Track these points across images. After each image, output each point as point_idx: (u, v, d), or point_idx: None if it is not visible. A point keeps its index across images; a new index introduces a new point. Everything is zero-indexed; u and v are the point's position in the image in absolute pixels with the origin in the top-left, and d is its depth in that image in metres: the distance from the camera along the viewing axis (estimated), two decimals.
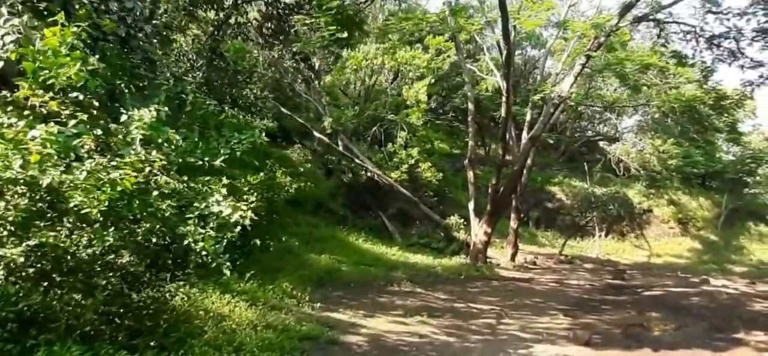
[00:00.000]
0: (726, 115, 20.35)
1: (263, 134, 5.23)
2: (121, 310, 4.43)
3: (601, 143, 36.09)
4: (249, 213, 5.36)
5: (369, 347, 6.71)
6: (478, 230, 16.70)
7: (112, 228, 3.98)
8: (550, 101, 16.01)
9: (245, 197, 8.54)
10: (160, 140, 4.54)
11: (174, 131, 4.51)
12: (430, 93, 28.46)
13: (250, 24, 12.74)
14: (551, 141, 35.42)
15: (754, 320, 11.66)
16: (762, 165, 29.15)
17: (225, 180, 5.14)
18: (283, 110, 21.75)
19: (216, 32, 12.13)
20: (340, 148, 22.26)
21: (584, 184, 29.85)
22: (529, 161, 20.92)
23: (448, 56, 24.85)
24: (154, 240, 4.46)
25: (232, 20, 12.77)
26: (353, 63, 23.90)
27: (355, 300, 9.46)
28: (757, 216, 31.04)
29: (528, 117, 19.86)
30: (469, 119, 18.26)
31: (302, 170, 20.78)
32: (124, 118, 4.23)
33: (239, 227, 4.76)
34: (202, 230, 4.30)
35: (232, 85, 13.59)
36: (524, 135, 18.71)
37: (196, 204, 4.34)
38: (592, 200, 25.94)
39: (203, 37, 12.51)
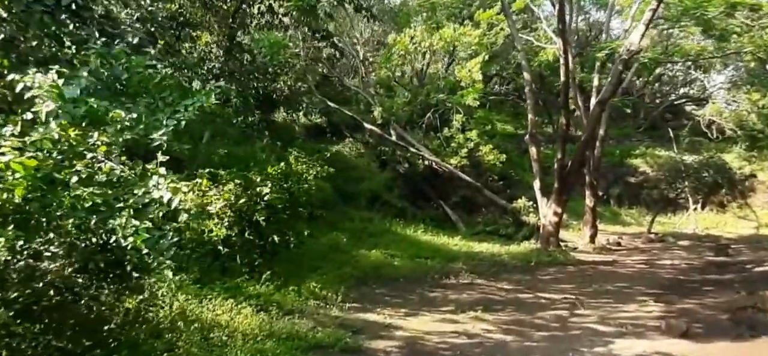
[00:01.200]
0: None
1: (212, 98, 4.19)
2: (52, 326, 3.60)
3: (687, 107, 32.38)
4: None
5: (400, 354, 5.58)
6: (546, 211, 14.99)
7: (13, 227, 3.16)
8: (619, 58, 13.96)
9: (259, 189, 7.77)
10: (108, 117, 3.63)
11: (112, 103, 3.60)
12: (485, 72, 26.80)
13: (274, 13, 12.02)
14: (628, 109, 32.30)
15: None
16: None
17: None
18: (330, 104, 21.05)
19: (232, 20, 11.47)
20: (393, 138, 21.20)
21: (671, 152, 26.71)
22: (601, 131, 18.77)
23: (501, 29, 23.09)
24: (93, 240, 3.60)
25: (254, 9, 12.08)
26: (400, 48, 22.81)
27: (399, 297, 8.36)
28: None
29: (595, 82, 17.76)
30: (526, 89, 16.52)
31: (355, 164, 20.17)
32: (19, 87, 3.37)
33: (185, 216, 3.77)
34: (135, 222, 3.37)
35: (258, 77, 12.90)
36: (593, 102, 16.66)
37: (135, 191, 3.42)
38: (682, 168, 23.00)
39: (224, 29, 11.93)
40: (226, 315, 5.79)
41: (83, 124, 3.39)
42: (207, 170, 7.41)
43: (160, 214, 3.46)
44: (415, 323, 6.97)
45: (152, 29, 8.93)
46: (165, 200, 3.29)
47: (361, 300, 7.91)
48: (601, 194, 26.31)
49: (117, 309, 4.36)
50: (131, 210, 3.35)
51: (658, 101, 32.31)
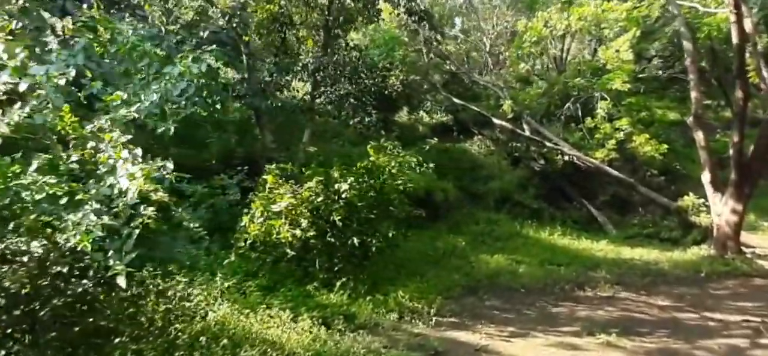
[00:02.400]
0: None
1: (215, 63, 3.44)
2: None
3: None
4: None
5: None
6: (721, 209, 12.01)
7: None
8: None
9: (337, 186, 6.99)
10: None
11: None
12: (639, 51, 23.28)
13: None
14: None
15: None
16: None
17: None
18: (455, 100, 19.88)
19: (327, 14, 10.99)
20: (527, 132, 19.28)
21: None
22: None
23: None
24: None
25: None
26: (532, 34, 20.77)
27: (512, 312, 6.96)
28: None
29: None
30: (688, 62, 13.57)
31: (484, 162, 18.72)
32: None
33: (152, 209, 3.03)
34: (93, 218, 2.72)
35: (366, 74, 12.29)
36: None
37: (93, 180, 2.80)
38: None
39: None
40: (277, 328, 5.12)
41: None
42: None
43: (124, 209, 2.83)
44: (519, 347, 5.58)
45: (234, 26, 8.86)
46: (123, 188, 2.63)
47: (461, 313, 6.70)
48: None
49: (140, 316, 3.92)
50: (93, 203, 2.77)
51: None
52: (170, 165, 3.78)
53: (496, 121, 19.33)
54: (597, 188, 18.87)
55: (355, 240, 6.55)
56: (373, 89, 13.12)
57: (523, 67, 24.22)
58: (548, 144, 18.46)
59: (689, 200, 15.65)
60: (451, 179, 16.15)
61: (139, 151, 3.53)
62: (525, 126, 19.59)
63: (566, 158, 18.47)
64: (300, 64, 10.95)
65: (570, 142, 19.08)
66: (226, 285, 5.72)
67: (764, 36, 17.98)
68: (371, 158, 7.38)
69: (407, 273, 7.97)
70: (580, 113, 20.70)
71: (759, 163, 11.60)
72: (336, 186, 6.70)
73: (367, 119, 15.09)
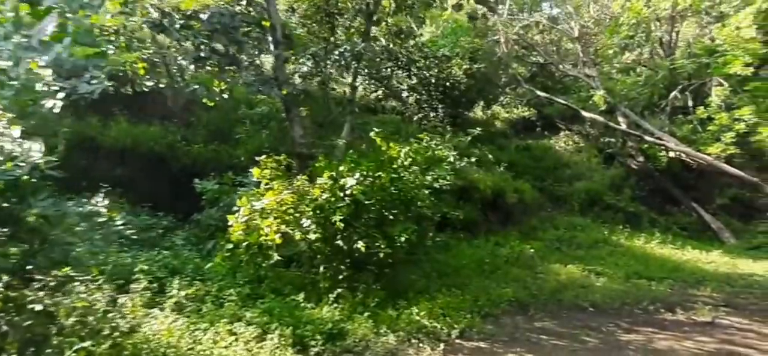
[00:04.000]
0: None
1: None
2: None
3: None
4: None
5: None
6: None
7: None
8: None
9: (343, 181, 6.04)
10: None
11: None
12: (763, 26, 19.71)
13: None
14: None
15: None
16: None
17: None
18: (539, 93, 18.08)
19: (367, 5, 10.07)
20: (623, 126, 16.99)
21: None
22: None
23: None
24: None
25: None
26: (632, 15, 18.37)
27: (564, 338, 5.58)
28: None
29: None
30: None
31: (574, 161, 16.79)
32: None
33: None
34: None
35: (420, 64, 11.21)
36: None
37: None
38: None
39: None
40: (228, 348, 4.30)
41: None
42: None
43: None
44: None
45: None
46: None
47: (495, 336, 5.45)
48: None
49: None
50: None
51: None
52: (37, 146, 3.20)
53: (585, 114, 17.27)
54: (712, 190, 16.15)
55: (361, 245, 5.63)
56: (433, 82, 12.07)
57: (618, 54, 21.76)
58: (649, 139, 16.06)
59: None
60: (530, 179, 14.59)
61: (16, 131, 2.99)
62: (620, 119, 17.29)
63: (672, 154, 15.95)
64: (337, 53, 10.25)
65: (677, 136, 16.48)
66: (198, 292, 5.13)
67: None
68: (383, 149, 6.39)
69: (446, 284, 6.85)
70: (690, 103, 17.91)
71: None
72: (341, 181, 5.83)
73: (432, 115, 14.09)
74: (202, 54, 6.84)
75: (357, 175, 5.85)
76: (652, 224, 14.30)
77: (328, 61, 9.78)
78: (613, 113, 17.63)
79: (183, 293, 5.15)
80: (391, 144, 6.46)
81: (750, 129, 15.81)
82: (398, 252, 5.96)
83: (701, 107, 16.78)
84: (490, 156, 13.46)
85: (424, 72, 12.10)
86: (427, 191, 6.68)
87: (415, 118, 13.34)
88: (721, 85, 16.70)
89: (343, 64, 10.16)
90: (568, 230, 12.39)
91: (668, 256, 11.30)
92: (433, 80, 12.64)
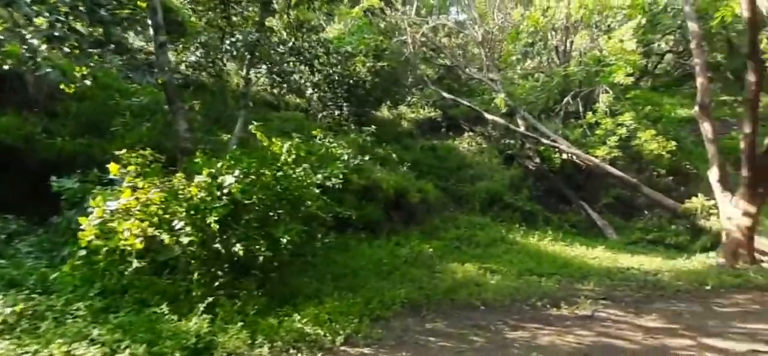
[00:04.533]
0: None
1: None
2: None
3: None
4: None
5: None
6: (731, 212, 10.42)
7: None
8: None
9: (220, 179, 5.62)
10: None
11: None
12: (647, 42, 21.69)
13: None
14: None
15: None
16: None
17: None
18: (445, 95, 18.46)
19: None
20: (522, 129, 17.79)
21: None
22: None
23: None
24: None
25: None
26: (530, 24, 19.35)
27: (452, 338, 5.54)
28: None
29: None
30: (693, 45, 11.97)
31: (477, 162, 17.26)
32: None
33: None
34: None
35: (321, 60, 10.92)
36: None
37: None
38: None
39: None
40: None
41: None
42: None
43: None
44: None
45: None
46: None
47: (381, 341, 5.28)
48: None
49: None
50: None
51: None
52: None
53: (488, 116, 17.88)
54: (599, 190, 17.33)
55: (239, 248, 5.20)
56: (337, 79, 11.80)
57: (520, 61, 22.86)
58: (545, 141, 16.94)
59: (698, 201, 14.04)
60: (434, 178, 14.78)
61: None
62: (520, 122, 18.12)
63: (565, 156, 16.92)
64: (228, 43, 9.65)
65: (570, 139, 17.56)
66: (37, 307, 4.42)
67: None
68: (264, 144, 6.00)
69: (340, 287, 6.59)
70: (581, 108, 19.19)
71: None
72: (219, 179, 5.35)
73: (336, 113, 13.80)
74: (57, 33, 5.96)
75: (237, 172, 5.37)
76: (546, 222, 15.02)
77: (221, 52, 9.12)
78: (514, 116, 18.42)
79: (9, 309, 4.37)
80: (274, 140, 6.04)
81: (631, 134, 17.24)
82: (282, 255, 5.58)
83: (590, 113, 18.03)
84: (394, 156, 13.43)
85: (328, 69, 11.78)
86: (317, 190, 6.36)
87: (320, 116, 12.98)
88: (607, 92, 18.04)
89: (236, 54, 9.53)
90: (468, 229, 12.63)
91: (559, 252, 11.86)
92: (336, 77, 12.35)
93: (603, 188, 17.29)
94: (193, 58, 9.78)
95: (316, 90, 12.55)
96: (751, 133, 9.96)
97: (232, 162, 5.47)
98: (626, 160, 17.35)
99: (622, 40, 18.37)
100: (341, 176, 6.80)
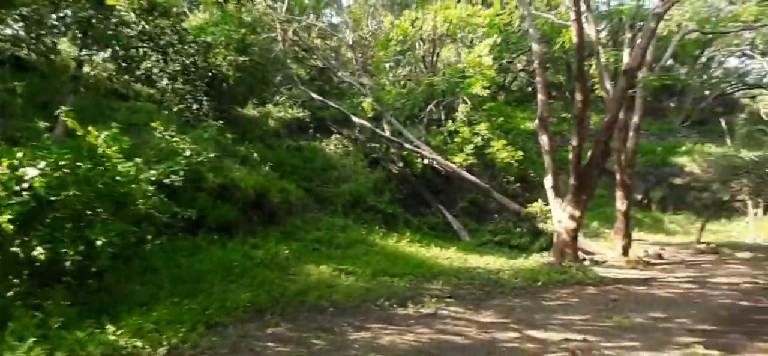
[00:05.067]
0: None
1: None
2: None
3: (744, 100, 28.13)
4: None
5: None
6: (561, 216, 11.74)
7: None
8: (652, 13, 10.75)
9: (21, 171, 4.97)
10: None
11: None
12: (502, 59, 23.67)
13: None
14: (672, 103, 28.33)
15: None
16: None
17: None
18: (314, 96, 18.36)
19: None
20: (387, 133, 18.31)
21: (725, 148, 22.75)
22: (635, 118, 15.31)
23: (516, 7, 19.96)
24: None
25: None
26: (399, 32, 20.02)
27: (292, 342, 5.44)
28: None
29: (626, 59, 14.41)
30: (536, 64, 13.32)
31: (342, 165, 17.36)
32: None
33: None
34: None
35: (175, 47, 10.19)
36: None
37: None
38: (738, 166, 19.10)
39: None
40: None
41: None
42: None
43: None
44: None
45: None
46: None
47: (212, 349, 5.00)
48: (640, 197, 22.63)
49: None
50: None
51: (706, 92, 28.11)
52: None
53: (355, 119, 18.13)
54: (456, 194, 18.48)
55: (40, 252, 4.57)
56: (195, 70, 11.06)
57: (393, 68, 23.57)
58: (408, 146, 17.64)
59: (537, 206, 15.63)
60: (298, 179, 14.58)
61: None
62: (386, 127, 18.64)
63: (426, 161, 17.77)
64: (55, 17, 8.56)
65: (431, 145, 18.48)
66: None
67: (609, 50, 18.81)
68: (79, 133, 5.36)
69: (179, 293, 6.12)
70: (443, 117, 20.33)
71: (596, 169, 11.48)
72: (19, 171, 4.63)
73: (194, 107, 12.98)
74: None
75: (42, 164, 4.67)
76: (407, 224, 15.63)
77: (46, 27, 7.98)
78: (380, 121, 18.90)
79: None
80: (90, 129, 5.38)
81: (485, 143, 18.67)
82: (101, 259, 4.98)
83: (450, 121, 19.18)
84: (256, 155, 12.98)
85: (185, 59, 10.96)
86: (152, 188, 5.81)
87: (176, 109, 12.06)
88: (465, 103, 19.33)
89: (66, 31, 8.42)
90: (329, 231, 12.63)
91: (414, 254, 12.38)
92: (195, 69, 11.57)
93: (460, 192, 18.48)
94: (8, 31, 8.39)
95: (171, 81, 11.62)
96: (578, 146, 11.31)
97: (39, 153, 4.75)
98: (481, 167, 18.75)
99: (480, 56, 19.80)
100: (182, 173, 6.31)
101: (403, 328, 6.42)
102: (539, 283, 10.21)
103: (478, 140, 18.05)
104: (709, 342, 6.18)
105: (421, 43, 22.55)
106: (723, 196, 20.31)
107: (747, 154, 20.01)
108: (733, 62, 28.05)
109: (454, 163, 17.47)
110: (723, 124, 23.64)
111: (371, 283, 8.89)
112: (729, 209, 21.21)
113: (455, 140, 18.26)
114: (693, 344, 6.11)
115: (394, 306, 7.50)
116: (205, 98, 12.49)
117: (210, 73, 12.42)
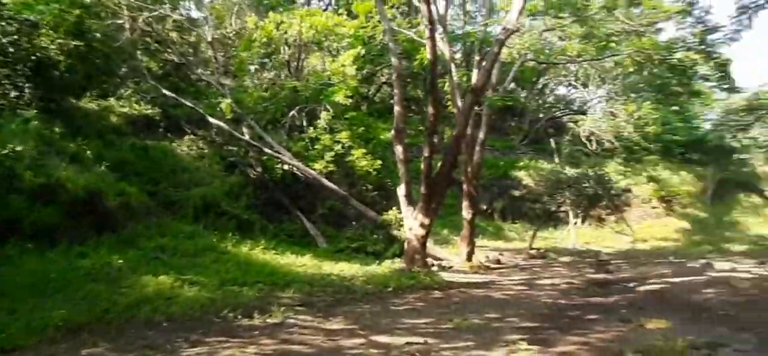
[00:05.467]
0: (714, 60, 16.42)
1: None
2: None
3: (570, 124, 32.46)
4: None
5: None
6: (412, 223, 12.31)
7: None
8: (496, 39, 11.90)
9: None
10: None
11: None
12: (366, 70, 24.30)
13: None
14: (513, 123, 31.63)
15: None
16: (747, 128, 25.64)
17: None
18: (166, 92, 17.01)
19: None
20: (247, 136, 17.64)
21: (553, 165, 25.95)
22: (480, 134, 16.77)
23: (380, 21, 20.67)
24: None
25: None
26: (263, 34, 19.47)
27: None
28: (748, 187, 27.55)
29: (474, 78, 15.69)
30: (394, 77, 13.91)
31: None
32: None
33: None
34: None
35: None
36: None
37: None
38: (563, 179, 21.91)
39: None
40: None
41: None
42: None
43: None
44: None
45: None
46: None
47: None
48: (485, 207, 24.80)
49: None
50: None
51: (541, 115, 31.88)
52: None
53: (212, 121, 17.16)
54: (315, 201, 18.39)
55: None
56: (14, 51, 9.52)
57: (259, 71, 22.84)
58: (269, 151, 17.15)
59: (393, 214, 16.22)
60: (142, 181, 13.35)
61: None
62: (245, 130, 17.94)
63: (286, 167, 17.44)
64: None
65: (292, 151, 18.20)
66: None
67: (462, 70, 20.37)
68: None
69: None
70: (305, 123, 20.15)
71: (445, 179, 12.24)
72: None
73: (13, 94, 11.19)
74: None
75: None
76: (263, 231, 15.14)
77: None
78: (240, 123, 18.15)
79: None
80: None
81: (346, 151, 18.91)
82: None
83: (312, 128, 19.10)
84: (89, 152, 11.58)
85: (0, 37, 9.32)
86: None
87: None
88: (327, 110, 19.41)
89: None
90: (175, 238, 11.73)
91: (269, 261, 12.03)
92: (12, 50, 9.93)
93: (319, 199, 18.44)
94: None
95: None
96: (429, 157, 11.97)
97: None
98: (341, 174, 18.93)
99: (344, 65, 20.07)
100: None
101: (246, 340, 6.14)
102: (390, 289, 10.58)
103: (338, 147, 18.19)
104: (532, 338, 6.88)
105: (287, 47, 22.22)
106: (551, 207, 23.11)
107: (570, 170, 23.03)
108: (562, 90, 32.22)
109: (314, 170, 17.39)
110: (553, 143, 26.90)
111: (217, 293, 8.41)
112: (556, 218, 24.22)
113: (316, 146, 18.19)
114: (518, 341, 6.76)
115: (239, 317, 7.16)
116: (27, 85, 10.82)
117: (34, 57, 10.76)
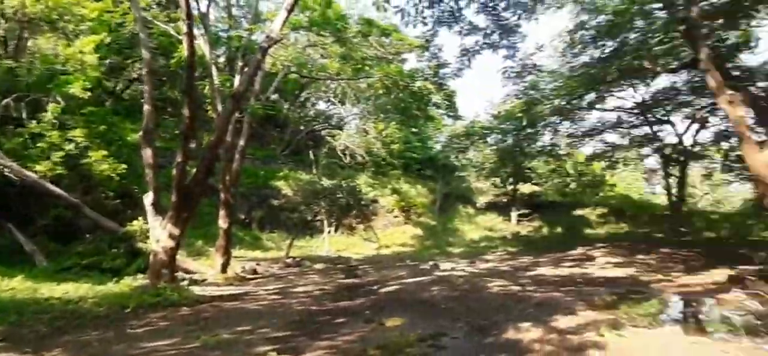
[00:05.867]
0: (444, 91, 19.71)
1: None
2: None
3: (328, 137, 34.46)
4: None
5: None
6: (160, 234, 11.24)
7: None
8: (259, 47, 11.85)
9: None
10: None
11: None
12: (106, 57, 21.39)
13: None
14: (274, 132, 31.97)
15: (506, 307, 9.62)
16: (465, 150, 31.35)
17: None
18: None
19: None
20: None
21: (311, 176, 27.12)
22: (241, 142, 16.47)
23: (129, 9, 18.56)
24: None
25: None
26: None
27: None
28: (465, 199, 33.54)
29: (236, 84, 15.35)
30: (145, 72, 12.61)
31: None
32: None
33: None
34: None
35: None
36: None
37: None
38: (319, 189, 23.09)
39: None
40: None
41: None
42: None
43: None
44: None
45: None
46: None
47: None
48: (243, 216, 24.34)
49: None
50: None
51: (302, 127, 33.05)
52: None
53: None
54: (35, 210, 15.30)
55: None
56: None
57: None
58: None
59: (138, 224, 14.58)
60: None
61: None
62: None
63: None
64: None
65: (4, 148, 14.79)
66: None
67: (224, 74, 19.65)
68: None
69: None
70: (25, 115, 16.64)
71: (199, 187, 11.56)
72: None
73: None
74: None
75: None
76: None
77: None
78: None
79: None
80: None
81: (81, 151, 16.29)
82: None
83: (35, 122, 15.90)
84: None
85: None
86: None
87: None
88: (58, 102, 16.44)
89: None
90: None
91: None
92: None
93: (41, 208, 15.41)
94: None
95: None
96: (183, 163, 11.14)
97: None
98: (74, 178, 16.21)
99: (83, 52, 17.34)
100: None
101: None
102: (128, 309, 9.43)
103: (71, 147, 15.58)
104: (282, 348, 6.96)
105: (2, 20, 18.13)
106: (307, 216, 24.07)
107: (326, 181, 24.41)
108: (322, 105, 34.03)
109: (36, 172, 14.48)
110: (311, 155, 28.10)
111: None
112: (312, 227, 25.30)
113: (40, 144, 15.22)
114: (269, 352, 6.76)
115: None
116: None
117: None
